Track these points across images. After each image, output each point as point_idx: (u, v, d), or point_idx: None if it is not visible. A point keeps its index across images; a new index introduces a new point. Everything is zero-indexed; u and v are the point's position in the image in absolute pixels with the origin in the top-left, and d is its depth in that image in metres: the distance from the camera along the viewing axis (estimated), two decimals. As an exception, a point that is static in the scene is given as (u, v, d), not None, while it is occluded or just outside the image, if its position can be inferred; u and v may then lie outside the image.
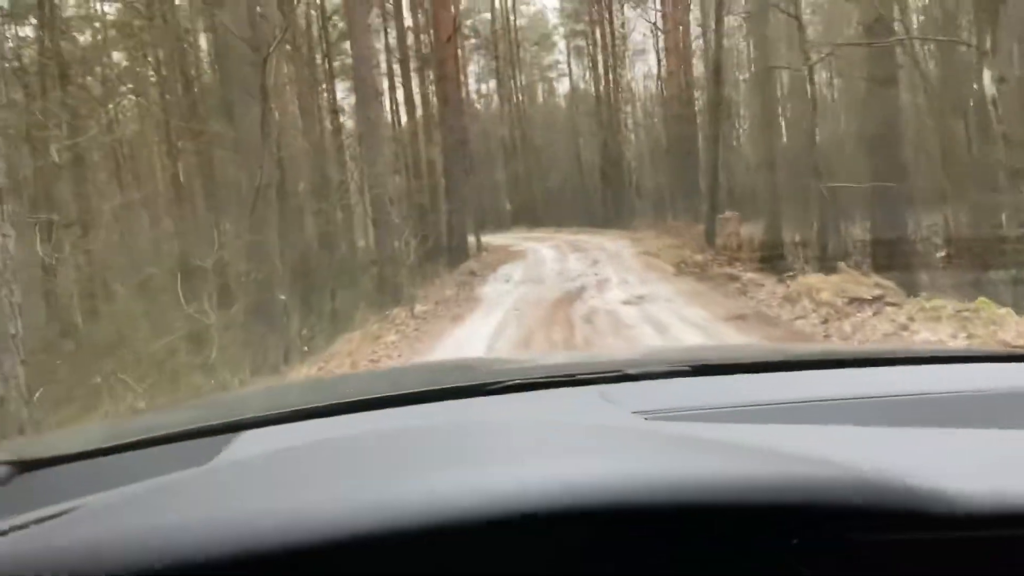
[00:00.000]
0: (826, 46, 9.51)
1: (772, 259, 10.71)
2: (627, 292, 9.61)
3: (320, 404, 1.04)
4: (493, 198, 37.20)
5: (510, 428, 0.78)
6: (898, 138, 8.74)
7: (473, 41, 37.95)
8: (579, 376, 1.12)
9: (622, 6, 30.60)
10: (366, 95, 15.64)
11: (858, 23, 9.00)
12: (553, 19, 39.21)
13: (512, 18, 34.89)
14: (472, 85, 39.30)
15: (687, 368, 1.15)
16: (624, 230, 22.37)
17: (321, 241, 13.50)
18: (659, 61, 29.99)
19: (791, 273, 8.18)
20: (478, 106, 39.41)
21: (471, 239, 19.35)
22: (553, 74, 43.25)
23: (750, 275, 9.37)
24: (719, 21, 13.54)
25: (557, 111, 39.53)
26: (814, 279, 7.06)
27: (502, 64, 32.10)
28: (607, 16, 28.43)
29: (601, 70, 29.17)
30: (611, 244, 18.18)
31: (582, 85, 37.82)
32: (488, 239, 24.52)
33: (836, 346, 4.90)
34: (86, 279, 10.21)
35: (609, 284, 10.73)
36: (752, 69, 25.63)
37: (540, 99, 41.81)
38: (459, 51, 20.07)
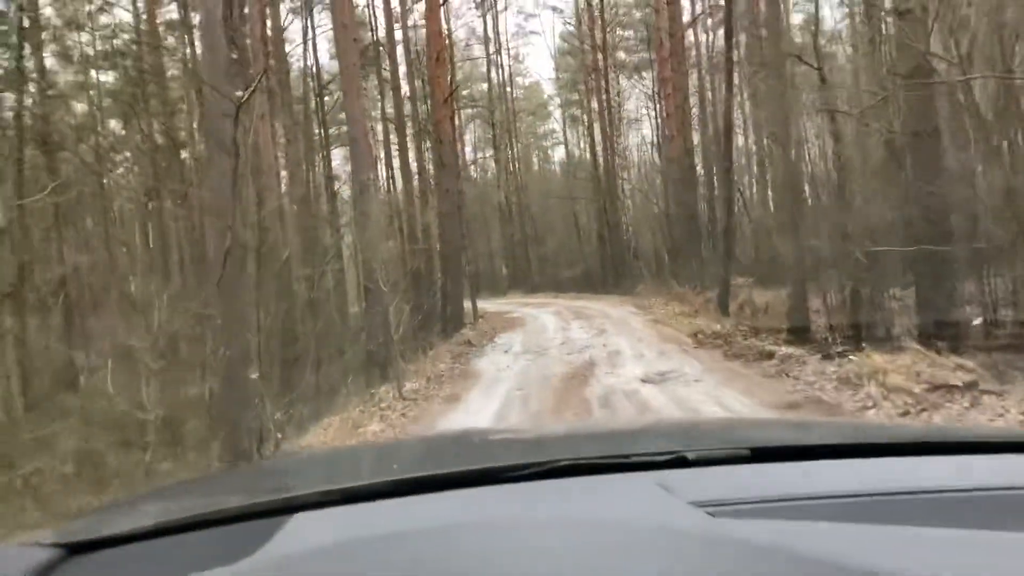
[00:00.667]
0: (877, 92, 8.52)
1: (802, 331, 9.49)
2: (645, 368, 8.32)
3: (371, 483, 1.00)
4: (490, 263, 36.34)
5: (581, 541, 0.71)
6: (944, 196, 7.64)
7: (470, 111, 37.99)
8: (633, 460, 1.04)
9: (618, 76, 30.47)
10: (360, 157, 14.72)
11: (892, 73, 8.05)
12: (549, 89, 39.33)
13: (509, 89, 34.74)
14: (469, 153, 39.12)
15: (746, 452, 1.04)
16: (626, 296, 21.23)
17: (309, 309, 12.23)
18: (657, 127, 29.63)
19: (841, 349, 6.92)
20: (475, 173, 39.09)
21: (467, 305, 18.13)
22: (548, 142, 43.34)
23: (785, 350, 8.10)
24: (729, 84, 12.74)
25: (553, 178, 39.18)
26: (878, 359, 5.80)
27: (499, 131, 31.66)
28: (604, 84, 28.12)
29: (598, 136, 28.66)
30: (615, 311, 16.97)
31: (577, 152, 37.63)
32: (484, 305, 23.35)
33: (907, 425, 4.07)
34: (36, 355, 8.91)
35: (623, 357, 9.43)
36: (750, 128, 25.16)
37: (536, 167, 41.57)
38: (455, 115, 19.36)
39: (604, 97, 27.98)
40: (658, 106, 30.23)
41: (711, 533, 0.73)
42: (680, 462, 1.00)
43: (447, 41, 17.08)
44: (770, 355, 7.72)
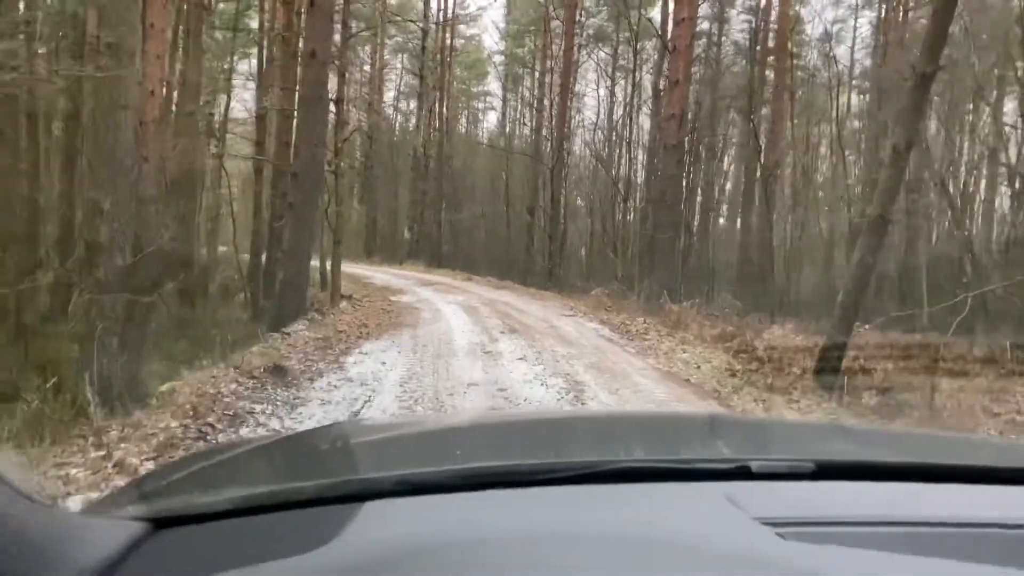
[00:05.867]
0: None
1: None
2: None
3: (440, 472, 0.91)
4: (392, 223, 27.49)
5: (649, 559, 0.67)
6: None
7: (398, 39, 28.91)
8: (696, 467, 0.93)
9: (582, 25, 22.62)
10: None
11: None
12: (490, 44, 30.73)
13: (448, 37, 25.85)
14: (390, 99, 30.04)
15: (811, 466, 0.89)
16: (568, 297, 13.52)
17: None
18: (611, 101, 22.15)
19: None
20: (394, 120, 30.16)
21: (319, 271, 9.72)
22: (480, 105, 34.88)
23: None
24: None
25: (480, 146, 30.85)
26: None
27: (427, 62, 22.93)
28: (569, 29, 20.13)
29: (553, 97, 20.64)
30: (569, 326, 9.19)
31: (513, 115, 29.55)
32: (366, 272, 14.87)
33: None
34: None
35: None
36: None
37: (463, 129, 32.99)
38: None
39: (569, 44, 19.99)
40: (635, 60, 22.86)
41: (782, 558, 0.68)
42: (744, 473, 0.87)
43: None
44: None
